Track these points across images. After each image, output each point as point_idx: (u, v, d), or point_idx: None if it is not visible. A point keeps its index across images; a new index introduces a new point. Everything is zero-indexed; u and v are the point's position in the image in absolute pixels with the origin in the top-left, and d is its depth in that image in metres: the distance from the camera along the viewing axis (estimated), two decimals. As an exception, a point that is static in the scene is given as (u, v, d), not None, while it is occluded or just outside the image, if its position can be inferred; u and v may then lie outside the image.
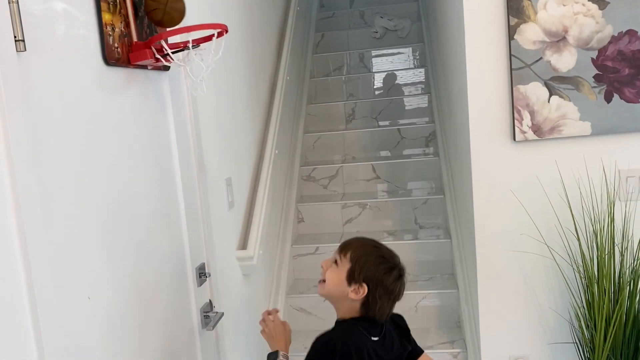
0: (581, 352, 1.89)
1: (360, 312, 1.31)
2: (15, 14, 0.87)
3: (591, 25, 1.84)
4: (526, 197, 1.95)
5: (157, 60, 1.25)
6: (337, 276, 1.32)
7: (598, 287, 1.76)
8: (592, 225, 1.86)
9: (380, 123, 3.77)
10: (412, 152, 3.56)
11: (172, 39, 1.35)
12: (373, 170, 3.42)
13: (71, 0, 1.06)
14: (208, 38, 1.32)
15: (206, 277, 1.60)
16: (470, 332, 2.31)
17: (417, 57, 4.06)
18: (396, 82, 3.95)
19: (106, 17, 1.15)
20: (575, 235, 1.87)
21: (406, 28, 4.20)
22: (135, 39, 1.26)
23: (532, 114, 1.89)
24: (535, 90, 1.88)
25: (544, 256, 1.96)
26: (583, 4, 1.84)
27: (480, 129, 1.95)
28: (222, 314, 1.62)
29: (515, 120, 1.90)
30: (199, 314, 1.55)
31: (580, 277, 1.85)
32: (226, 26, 1.28)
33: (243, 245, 2.14)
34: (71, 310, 1.00)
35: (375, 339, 1.31)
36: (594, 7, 1.83)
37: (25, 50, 0.89)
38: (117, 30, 1.19)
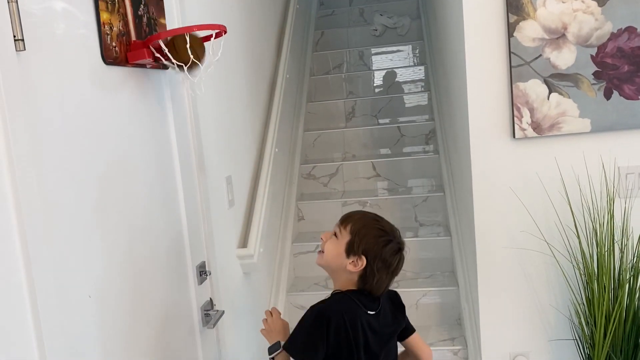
0: (581, 348, 1.89)
1: (357, 285, 1.31)
2: (15, 14, 0.87)
3: (590, 22, 1.84)
4: (526, 195, 1.95)
5: (156, 59, 1.25)
6: (336, 248, 1.32)
7: (598, 284, 1.76)
8: (592, 222, 1.86)
9: (380, 121, 3.77)
10: (412, 149, 3.56)
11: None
12: (373, 168, 3.42)
13: (70, -1, 1.07)
14: (207, 38, 1.32)
15: (207, 275, 1.60)
16: (471, 329, 2.31)
17: (417, 55, 4.06)
18: (396, 79, 3.95)
19: (104, 16, 1.15)
20: (575, 232, 1.87)
21: (406, 26, 4.20)
22: (133, 38, 1.26)
23: (531, 111, 1.89)
24: (534, 88, 1.88)
25: (543, 253, 1.96)
26: (582, 1, 1.84)
27: (480, 126, 1.95)
28: (223, 312, 1.62)
29: (515, 118, 1.90)
30: (200, 312, 1.55)
31: (580, 274, 1.86)
32: (225, 27, 1.28)
33: (243, 243, 2.15)
34: (72, 309, 1.00)
35: (372, 312, 1.31)
36: (593, 4, 1.83)
37: (25, 49, 0.89)
38: (115, 29, 1.19)
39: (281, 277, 2.74)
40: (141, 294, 1.26)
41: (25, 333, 0.87)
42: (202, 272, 1.58)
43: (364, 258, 1.28)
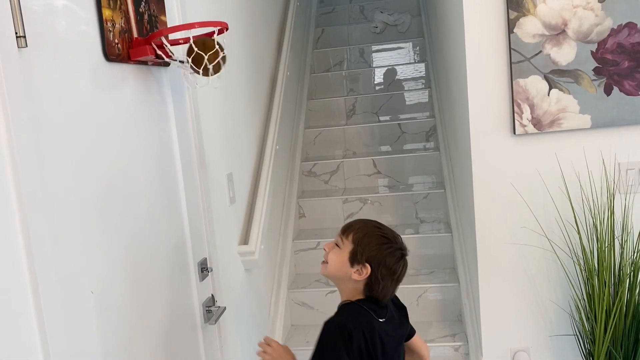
0: (582, 344, 1.90)
1: (364, 293, 1.32)
2: (17, 10, 0.87)
3: (590, 18, 1.84)
4: (526, 191, 1.96)
5: (158, 56, 1.26)
6: (339, 258, 1.32)
7: (598, 280, 1.77)
8: (592, 218, 1.87)
9: (381, 118, 3.77)
10: (413, 146, 3.56)
11: (173, 36, 1.35)
12: (374, 165, 3.43)
13: (71, -4, 1.07)
14: (209, 35, 1.33)
15: (208, 272, 1.61)
16: (472, 325, 2.32)
17: (417, 52, 4.06)
18: (396, 77, 3.95)
19: (106, 13, 1.16)
20: (576, 228, 1.88)
21: (406, 23, 4.20)
22: (135, 35, 1.26)
23: (532, 107, 1.89)
24: (535, 84, 1.88)
25: (544, 249, 1.97)
26: (582, -3, 1.84)
27: (480, 122, 1.95)
28: (224, 308, 1.63)
29: (515, 114, 1.90)
30: (202, 309, 1.56)
31: (581, 270, 1.86)
32: (226, 24, 1.28)
33: (245, 240, 2.15)
34: (74, 305, 1.00)
35: (382, 320, 1.31)
36: (593, 0, 1.83)
37: (27, 46, 0.90)
38: (117, 26, 1.19)
39: (282, 274, 2.75)
40: (143, 290, 1.26)
41: (29, 329, 0.88)
42: (204, 269, 1.58)
43: (368, 266, 1.28)
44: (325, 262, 1.37)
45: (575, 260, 1.89)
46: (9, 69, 0.85)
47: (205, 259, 1.61)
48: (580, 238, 1.86)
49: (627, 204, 1.90)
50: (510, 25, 1.87)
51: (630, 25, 1.83)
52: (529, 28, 1.86)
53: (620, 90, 1.86)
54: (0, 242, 0.84)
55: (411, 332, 1.46)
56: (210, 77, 1.28)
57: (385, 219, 3.17)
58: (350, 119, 3.81)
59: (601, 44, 1.85)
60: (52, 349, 0.90)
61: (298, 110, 3.59)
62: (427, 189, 3.20)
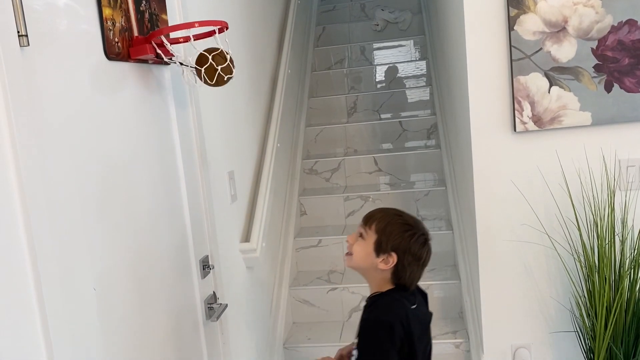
0: (582, 340, 1.90)
1: (392, 282, 1.32)
2: (18, 9, 0.88)
3: (591, 15, 1.84)
4: (527, 188, 1.96)
5: (158, 55, 1.26)
6: (364, 249, 1.32)
7: (599, 276, 1.77)
8: (593, 215, 1.87)
9: (382, 116, 3.77)
10: (414, 144, 3.56)
11: (173, 35, 1.36)
12: (375, 163, 3.43)
13: (73, -5, 1.08)
14: (209, 34, 1.33)
15: (210, 269, 1.61)
16: (473, 322, 2.32)
17: (418, 50, 4.06)
18: (397, 74, 3.95)
19: (107, 11, 1.16)
20: (576, 224, 1.88)
21: (407, 20, 4.20)
22: (136, 33, 1.27)
23: (532, 104, 1.90)
24: (535, 81, 1.88)
25: (545, 246, 1.97)
26: (583, -6, 1.84)
27: (481, 120, 1.96)
28: (226, 305, 1.64)
29: (516, 111, 1.90)
30: (203, 306, 1.57)
31: (581, 266, 1.86)
32: (226, 23, 1.29)
33: (246, 237, 2.16)
34: (76, 302, 1.01)
35: (414, 307, 1.32)
36: (593, -3, 1.83)
37: (29, 45, 0.91)
38: (117, 24, 1.20)
39: (284, 271, 2.76)
40: (145, 287, 1.27)
41: (32, 326, 0.89)
42: (206, 266, 1.59)
43: (394, 255, 1.29)
44: (349, 254, 1.37)
45: (575, 257, 1.89)
46: (11, 68, 0.86)
47: (207, 256, 1.61)
48: (580, 235, 1.86)
49: (627, 201, 1.90)
50: (511, 22, 1.87)
51: (630, 22, 1.83)
52: (530, 25, 1.86)
53: (621, 87, 1.86)
54: (3, 240, 0.85)
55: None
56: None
57: (387, 217, 3.17)
58: (351, 116, 3.81)
59: (601, 41, 1.85)
60: (55, 346, 0.91)
61: (299, 108, 3.59)
62: (428, 187, 3.21)
